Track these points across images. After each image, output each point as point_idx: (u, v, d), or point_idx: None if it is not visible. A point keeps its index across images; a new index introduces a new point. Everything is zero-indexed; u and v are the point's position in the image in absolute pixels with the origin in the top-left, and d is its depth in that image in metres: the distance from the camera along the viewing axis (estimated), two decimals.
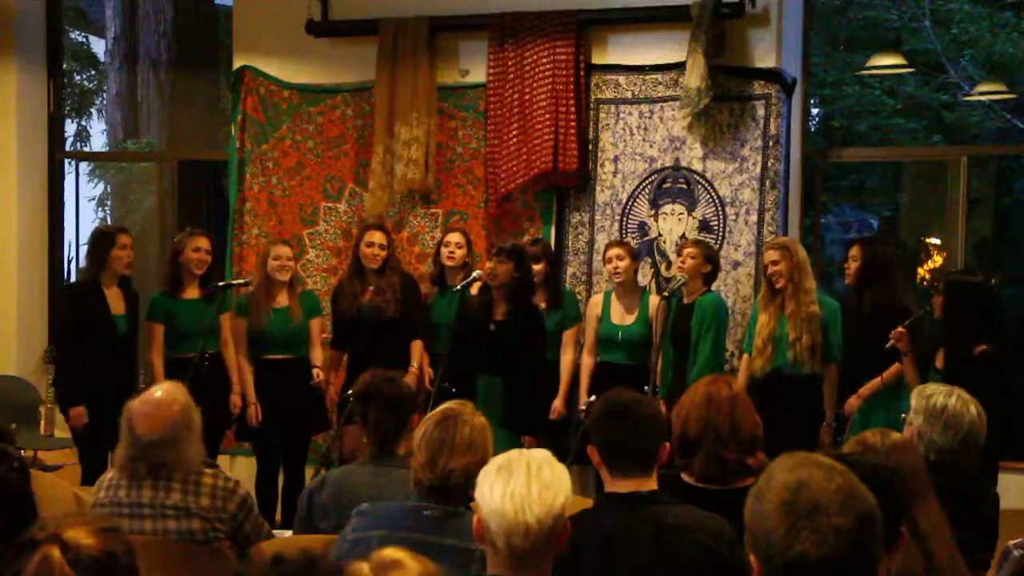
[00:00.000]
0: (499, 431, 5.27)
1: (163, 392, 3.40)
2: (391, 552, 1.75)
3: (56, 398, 6.21)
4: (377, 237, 5.90)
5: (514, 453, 2.27)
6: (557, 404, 5.82)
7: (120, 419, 3.41)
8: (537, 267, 5.80)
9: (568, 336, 5.90)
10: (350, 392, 3.80)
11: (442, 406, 3.00)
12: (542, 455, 2.28)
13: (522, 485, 2.18)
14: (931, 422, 3.31)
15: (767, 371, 5.42)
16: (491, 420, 5.05)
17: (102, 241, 5.80)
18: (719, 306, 5.65)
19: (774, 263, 5.41)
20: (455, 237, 5.99)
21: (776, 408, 4.95)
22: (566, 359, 5.89)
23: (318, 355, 5.94)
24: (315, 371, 5.82)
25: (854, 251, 5.51)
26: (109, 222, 10.35)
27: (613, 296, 5.90)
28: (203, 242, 5.87)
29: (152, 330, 5.85)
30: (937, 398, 3.34)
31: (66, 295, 6.24)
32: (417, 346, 5.88)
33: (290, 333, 5.86)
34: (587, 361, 5.90)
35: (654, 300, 5.82)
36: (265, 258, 5.91)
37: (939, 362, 5.03)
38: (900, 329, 5.13)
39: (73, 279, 8.09)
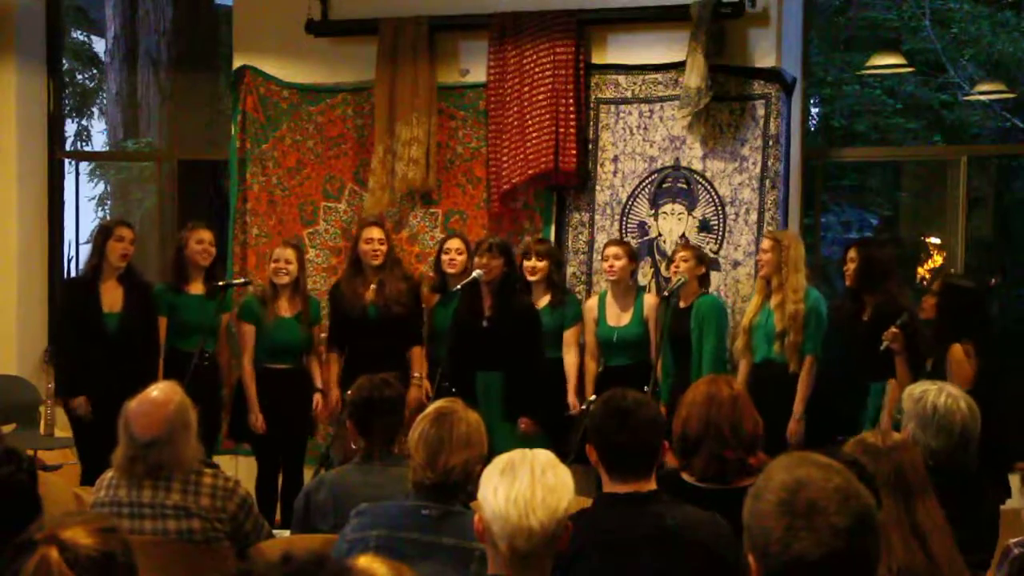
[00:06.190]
0: (503, 426, 5.31)
1: (159, 392, 3.39)
2: (366, 562, 1.70)
3: (56, 393, 6.18)
4: (375, 233, 5.90)
5: (517, 454, 2.25)
6: (573, 400, 5.77)
7: (116, 418, 3.41)
8: (540, 264, 5.81)
9: (569, 336, 5.84)
10: (348, 392, 3.79)
11: (434, 404, 3.00)
12: (546, 457, 2.26)
13: (526, 488, 2.16)
14: (924, 426, 3.24)
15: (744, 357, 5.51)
16: (493, 415, 5.12)
17: (101, 233, 5.76)
18: (716, 307, 5.64)
19: (763, 251, 5.51)
20: (455, 243, 5.96)
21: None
22: (569, 359, 5.83)
23: (316, 363, 5.91)
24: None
25: (851, 253, 5.51)
26: None
27: (608, 297, 5.87)
28: (206, 234, 5.86)
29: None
30: (927, 399, 3.27)
31: (62, 290, 6.22)
32: (417, 353, 5.88)
33: (296, 343, 5.82)
34: (590, 367, 5.84)
35: (650, 299, 5.81)
36: (270, 260, 5.90)
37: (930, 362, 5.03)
38: (893, 329, 5.06)
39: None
